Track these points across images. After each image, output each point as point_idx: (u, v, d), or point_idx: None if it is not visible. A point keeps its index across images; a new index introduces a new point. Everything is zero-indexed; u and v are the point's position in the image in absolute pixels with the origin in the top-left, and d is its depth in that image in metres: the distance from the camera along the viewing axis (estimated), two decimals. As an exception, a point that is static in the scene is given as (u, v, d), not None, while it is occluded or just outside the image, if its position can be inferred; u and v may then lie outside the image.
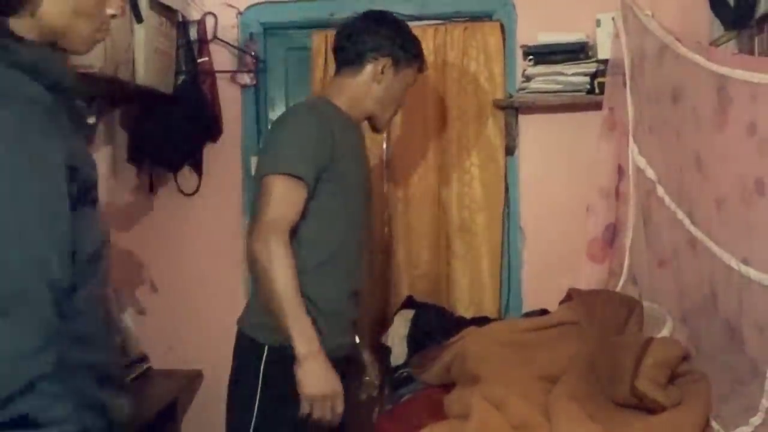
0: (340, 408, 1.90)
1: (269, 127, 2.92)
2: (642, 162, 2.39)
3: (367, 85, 2.08)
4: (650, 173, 2.33)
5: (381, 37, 2.07)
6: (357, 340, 2.24)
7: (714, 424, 1.77)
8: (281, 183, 1.90)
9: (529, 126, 2.85)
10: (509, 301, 2.88)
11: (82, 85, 1.33)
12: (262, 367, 1.94)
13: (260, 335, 1.97)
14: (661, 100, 2.19)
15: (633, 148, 2.44)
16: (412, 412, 2.11)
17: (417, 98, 2.82)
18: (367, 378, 2.28)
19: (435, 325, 2.53)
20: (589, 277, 2.57)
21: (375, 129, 2.21)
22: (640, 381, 1.83)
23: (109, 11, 1.31)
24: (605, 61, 2.59)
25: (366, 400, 2.29)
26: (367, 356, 2.31)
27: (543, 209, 2.85)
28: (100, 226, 1.28)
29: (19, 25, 1.22)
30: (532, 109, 2.80)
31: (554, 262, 2.76)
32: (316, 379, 1.85)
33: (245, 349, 2.01)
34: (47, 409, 1.10)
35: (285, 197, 1.90)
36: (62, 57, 1.29)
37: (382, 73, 2.08)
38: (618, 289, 2.48)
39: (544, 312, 2.46)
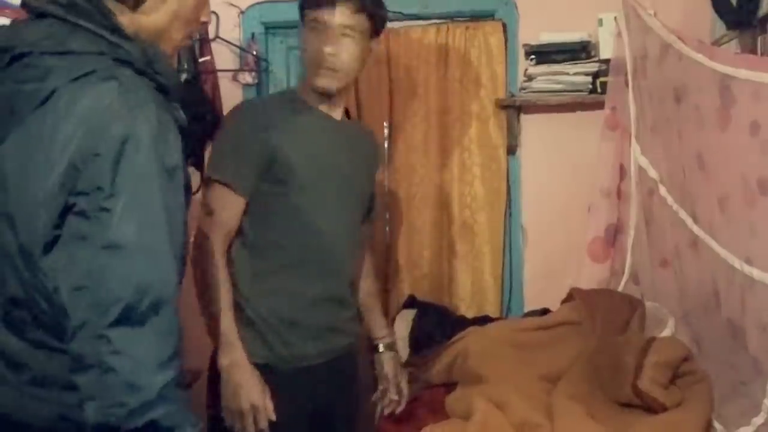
0: (262, 423, 1.79)
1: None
2: (644, 161, 2.39)
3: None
4: (652, 173, 2.33)
5: None
6: (384, 348, 2.11)
7: (716, 423, 1.78)
8: (216, 189, 1.85)
9: (530, 125, 2.84)
10: (511, 300, 2.87)
11: (181, 89, 1.30)
12: (212, 371, 1.87)
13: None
14: (663, 100, 2.19)
15: (635, 147, 2.44)
16: (413, 411, 2.11)
17: (419, 97, 2.82)
18: (380, 390, 2.10)
19: (437, 324, 2.52)
20: (590, 276, 2.57)
21: None
22: (642, 381, 1.83)
23: (203, 19, 1.29)
24: (607, 61, 2.58)
25: (387, 413, 2.09)
26: (388, 367, 2.10)
27: (545, 209, 2.84)
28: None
29: (121, 20, 1.18)
30: (534, 108, 2.79)
31: (556, 262, 2.75)
32: (233, 392, 1.79)
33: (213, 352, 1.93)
34: (173, 415, 1.10)
35: (218, 205, 1.85)
36: (168, 57, 1.25)
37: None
38: (620, 288, 2.48)
39: (545, 311, 2.46)
